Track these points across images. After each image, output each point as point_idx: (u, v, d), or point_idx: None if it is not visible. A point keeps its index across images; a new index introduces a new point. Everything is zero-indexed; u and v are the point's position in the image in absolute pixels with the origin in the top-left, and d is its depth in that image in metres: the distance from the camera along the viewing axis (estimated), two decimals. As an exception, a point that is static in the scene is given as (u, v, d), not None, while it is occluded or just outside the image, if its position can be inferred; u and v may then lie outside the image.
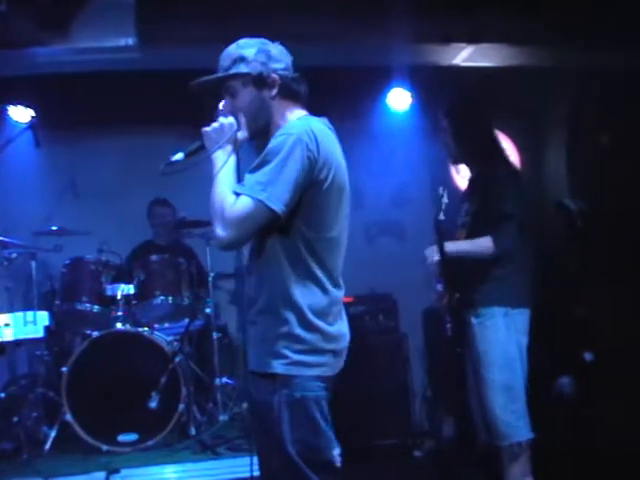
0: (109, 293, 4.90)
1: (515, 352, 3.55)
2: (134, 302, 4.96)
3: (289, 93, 2.42)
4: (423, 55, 5.57)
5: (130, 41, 4.87)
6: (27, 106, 5.71)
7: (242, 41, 2.41)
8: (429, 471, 4.53)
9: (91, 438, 4.44)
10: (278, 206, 2.18)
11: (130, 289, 4.91)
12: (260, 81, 2.37)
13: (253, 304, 2.33)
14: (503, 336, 3.53)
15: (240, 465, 4.07)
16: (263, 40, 2.43)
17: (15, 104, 5.73)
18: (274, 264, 2.27)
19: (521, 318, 3.60)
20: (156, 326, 5.02)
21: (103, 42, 4.90)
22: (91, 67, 5.07)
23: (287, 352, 2.22)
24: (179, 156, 2.39)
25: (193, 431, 4.64)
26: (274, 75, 2.38)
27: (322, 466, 2.22)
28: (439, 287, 3.77)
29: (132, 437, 4.49)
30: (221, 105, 2.42)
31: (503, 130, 6.21)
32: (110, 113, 5.66)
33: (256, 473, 2.45)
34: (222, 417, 4.75)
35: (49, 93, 5.46)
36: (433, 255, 3.65)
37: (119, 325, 4.78)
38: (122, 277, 5.05)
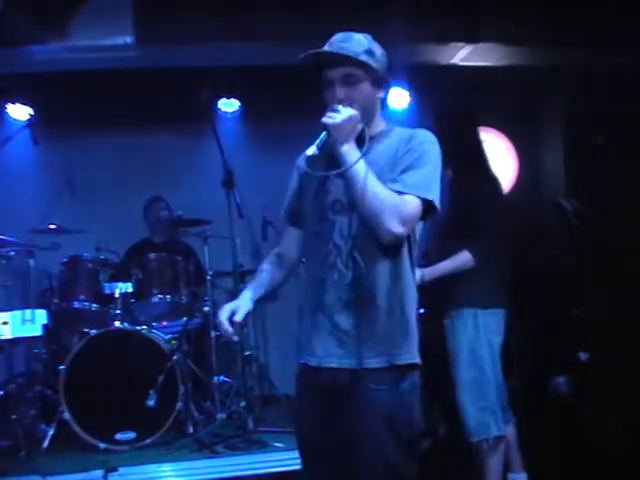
0: (107, 291, 4.88)
1: (484, 351, 3.67)
2: (132, 300, 4.96)
3: (384, 101, 2.54)
4: (421, 54, 5.59)
5: (128, 39, 4.89)
6: (25, 104, 5.73)
7: (367, 37, 2.44)
8: (424, 471, 4.52)
9: (89, 436, 4.43)
10: (438, 206, 2.38)
11: (128, 287, 4.90)
12: (380, 81, 2.44)
13: (364, 301, 2.35)
14: (471, 336, 3.67)
15: (238, 463, 4.08)
16: (377, 43, 2.48)
17: (13, 102, 5.74)
18: (398, 262, 2.39)
19: (492, 318, 3.72)
20: (154, 324, 5.01)
21: (101, 40, 4.92)
22: (89, 65, 5.10)
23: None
24: (313, 150, 2.28)
25: (191, 429, 4.63)
26: (388, 80, 2.48)
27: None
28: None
29: (130, 435, 4.48)
30: (339, 92, 2.36)
31: (500, 129, 6.27)
32: (108, 111, 5.67)
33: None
34: (220, 415, 4.75)
35: (47, 91, 5.47)
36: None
37: (117, 323, 4.76)
38: (120, 275, 5.04)
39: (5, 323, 4.54)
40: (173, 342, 4.85)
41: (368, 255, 2.36)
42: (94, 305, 4.89)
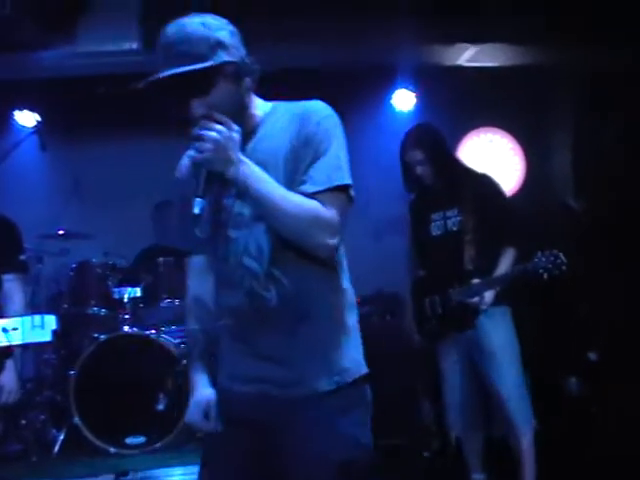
0: (116, 296, 4.91)
1: (519, 347, 3.74)
2: (141, 305, 4.98)
3: (254, 81, 2.05)
4: (427, 56, 5.60)
5: (134, 45, 4.90)
6: (32, 110, 5.74)
7: (207, 20, 1.95)
8: (437, 471, 4.52)
9: (99, 441, 4.45)
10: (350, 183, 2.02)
11: (137, 292, 4.92)
12: (239, 71, 1.97)
13: (297, 321, 2.00)
14: (512, 331, 3.73)
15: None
16: (217, 17, 2.00)
17: (20, 109, 5.76)
18: (330, 268, 2.07)
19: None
20: (163, 329, 5.01)
21: (108, 46, 4.93)
22: (96, 71, 5.10)
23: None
24: (200, 205, 1.87)
25: (200, 433, 4.62)
26: (248, 63, 1.99)
27: None
28: None
29: (140, 439, 4.50)
30: (197, 108, 1.93)
31: (507, 130, 6.26)
32: (115, 116, 5.67)
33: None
34: (229, 419, 4.74)
35: (54, 97, 5.48)
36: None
37: (126, 328, 4.78)
38: (129, 280, 5.05)
39: (15, 329, 4.54)
40: (182, 346, 4.85)
41: (291, 271, 1.98)
42: (103, 310, 4.92)
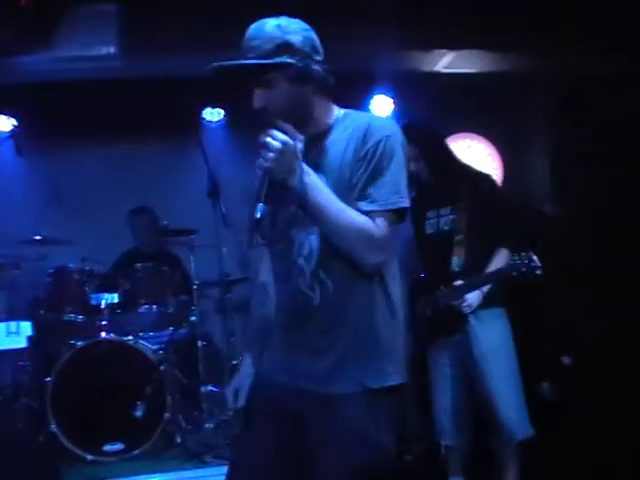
0: (93, 302, 4.87)
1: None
2: (118, 311, 4.93)
3: (327, 88, 2.17)
4: (405, 62, 5.63)
5: (112, 50, 4.87)
6: (9, 115, 5.71)
7: (284, 23, 2.09)
8: (420, 475, 4.52)
9: (76, 448, 4.40)
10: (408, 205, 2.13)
11: (114, 298, 4.89)
12: (304, 75, 2.08)
13: (335, 323, 2.11)
14: (508, 333, 3.71)
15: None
16: (302, 22, 2.13)
17: (-3, 113, 5.72)
18: (372, 278, 2.15)
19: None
20: (141, 335, 4.98)
21: (86, 51, 4.90)
22: (74, 76, 5.07)
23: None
24: (262, 209, 1.98)
25: (179, 440, 4.61)
26: (318, 69, 2.10)
27: None
28: None
29: (118, 447, 4.45)
30: (257, 100, 2.08)
31: (485, 136, 6.30)
32: (93, 122, 5.65)
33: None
34: (208, 425, 4.74)
35: (31, 102, 5.45)
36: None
37: (103, 334, 4.73)
38: (106, 286, 5.02)
39: (-10, 336, 4.53)
40: (160, 352, 4.84)
41: (336, 274, 2.11)
42: (81, 316, 4.86)
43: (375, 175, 2.07)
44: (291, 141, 2.02)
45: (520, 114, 6.05)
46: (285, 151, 1.99)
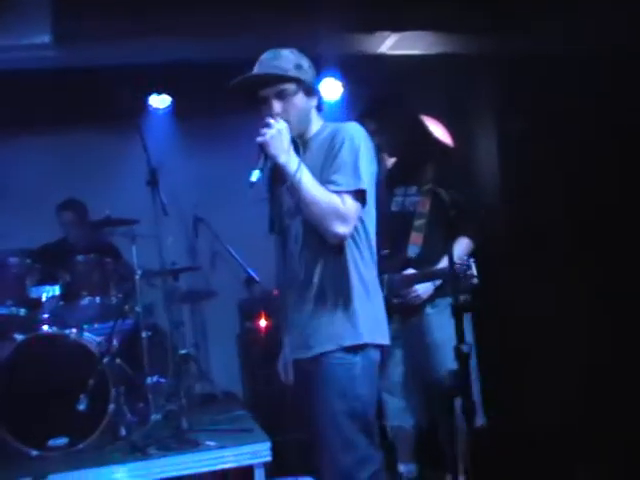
0: (34, 295, 4.80)
1: None
2: (60, 303, 4.88)
3: (320, 104, 2.82)
4: (349, 45, 5.58)
5: (46, 38, 4.78)
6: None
7: (293, 50, 2.73)
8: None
9: (20, 444, 4.36)
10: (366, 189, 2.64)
11: (55, 290, 4.82)
12: (311, 90, 2.73)
13: (313, 296, 2.66)
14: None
15: (169, 464, 4.01)
16: (303, 54, 2.76)
17: None
18: (342, 255, 2.67)
19: None
20: (85, 327, 4.92)
21: (18, 40, 4.80)
22: (6, 65, 4.96)
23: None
24: (257, 175, 2.48)
25: (124, 432, 4.56)
26: (318, 88, 2.79)
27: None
28: None
29: (62, 441, 4.40)
30: (276, 107, 2.64)
31: (432, 117, 6.26)
32: (28, 112, 5.56)
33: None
34: (154, 416, 4.69)
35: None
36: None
37: (45, 328, 4.68)
38: (47, 279, 4.94)
39: None
40: (104, 344, 4.78)
41: (313, 254, 2.66)
42: (22, 310, 4.77)
43: (340, 166, 2.61)
44: (287, 126, 2.57)
45: (467, 95, 6.02)
46: (281, 132, 2.54)
